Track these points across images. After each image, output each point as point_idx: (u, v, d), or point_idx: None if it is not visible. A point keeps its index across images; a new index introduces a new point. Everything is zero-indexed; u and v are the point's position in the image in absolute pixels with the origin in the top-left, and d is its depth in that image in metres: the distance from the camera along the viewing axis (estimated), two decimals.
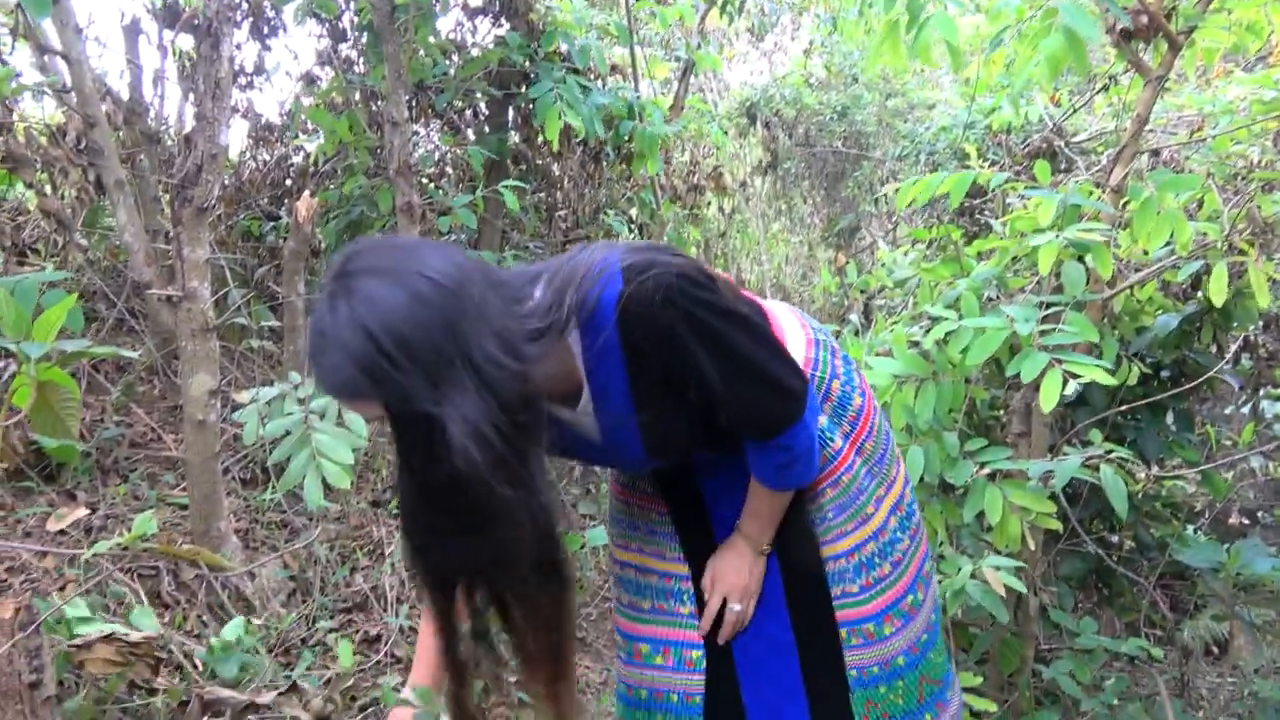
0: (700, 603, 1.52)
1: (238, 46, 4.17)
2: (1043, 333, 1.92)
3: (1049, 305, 2.05)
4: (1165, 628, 2.77)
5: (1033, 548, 2.08)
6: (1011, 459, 2.07)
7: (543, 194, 4.75)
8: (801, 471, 1.41)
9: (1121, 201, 2.16)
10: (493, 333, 1.10)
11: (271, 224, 4.37)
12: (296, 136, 4.51)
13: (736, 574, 1.48)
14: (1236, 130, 2.42)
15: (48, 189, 3.55)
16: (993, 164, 3.68)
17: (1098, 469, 1.98)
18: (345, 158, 4.18)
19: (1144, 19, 2.08)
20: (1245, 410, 3.05)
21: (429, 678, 1.46)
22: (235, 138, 4.51)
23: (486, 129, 4.40)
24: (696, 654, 1.51)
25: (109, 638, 1.97)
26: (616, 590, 1.62)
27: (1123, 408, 2.36)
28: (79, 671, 1.96)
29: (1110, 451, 2.01)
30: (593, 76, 4.26)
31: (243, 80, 4.35)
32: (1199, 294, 2.40)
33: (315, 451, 1.99)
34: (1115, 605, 2.68)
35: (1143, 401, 2.38)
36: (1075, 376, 1.83)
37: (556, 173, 4.76)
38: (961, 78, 4.58)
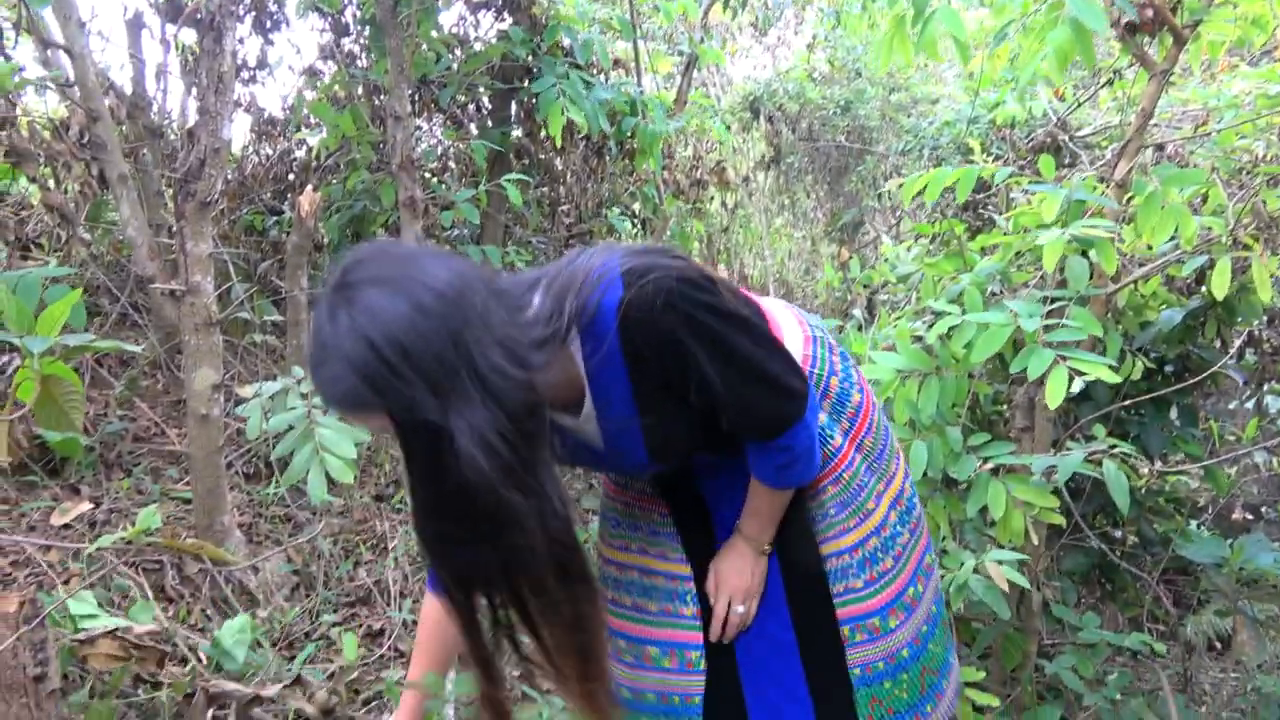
0: (703, 604, 1.52)
1: (240, 41, 4.16)
2: (1047, 328, 1.92)
3: (1053, 300, 2.05)
4: (1168, 623, 2.77)
5: (1035, 542, 2.08)
6: (1014, 454, 2.07)
7: (545, 189, 4.75)
8: (803, 470, 1.41)
9: (1126, 196, 2.15)
10: (496, 341, 1.10)
11: (274, 219, 4.38)
12: (299, 131, 4.51)
13: (738, 575, 1.48)
14: (1241, 125, 2.41)
15: (51, 183, 3.56)
16: (996, 159, 3.67)
17: (1101, 464, 1.98)
18: (348, 152, 4.19)
19: (1149, 12, 2.07)
20: (1249, 405, 3.04)
21: (431, 665, 1.47)
22: (238, 132, 4.52)
23: (489, 124, 4.40)
24: (696, 654, 1.52)
25: (112, 633, 1.98)
26: (614, 593, 1.60)
27: (1126, 402, 2.36)
28: (83, 666, 1.96)
29: (1113, 446, 2.00)
30: (595, 71, 4.25)
31: (245, 75, 4.35)
32: (1203, 289, 2.40)
33: (318, 446, 2.00)
34: (1118, 600, 2.68)
35: (1146, 396, 2.37)
36: (1080, 374, 1.83)
37: (559, 167, 4.76)
38: (965, 72, 4.57)
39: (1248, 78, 2.70)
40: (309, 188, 3.30)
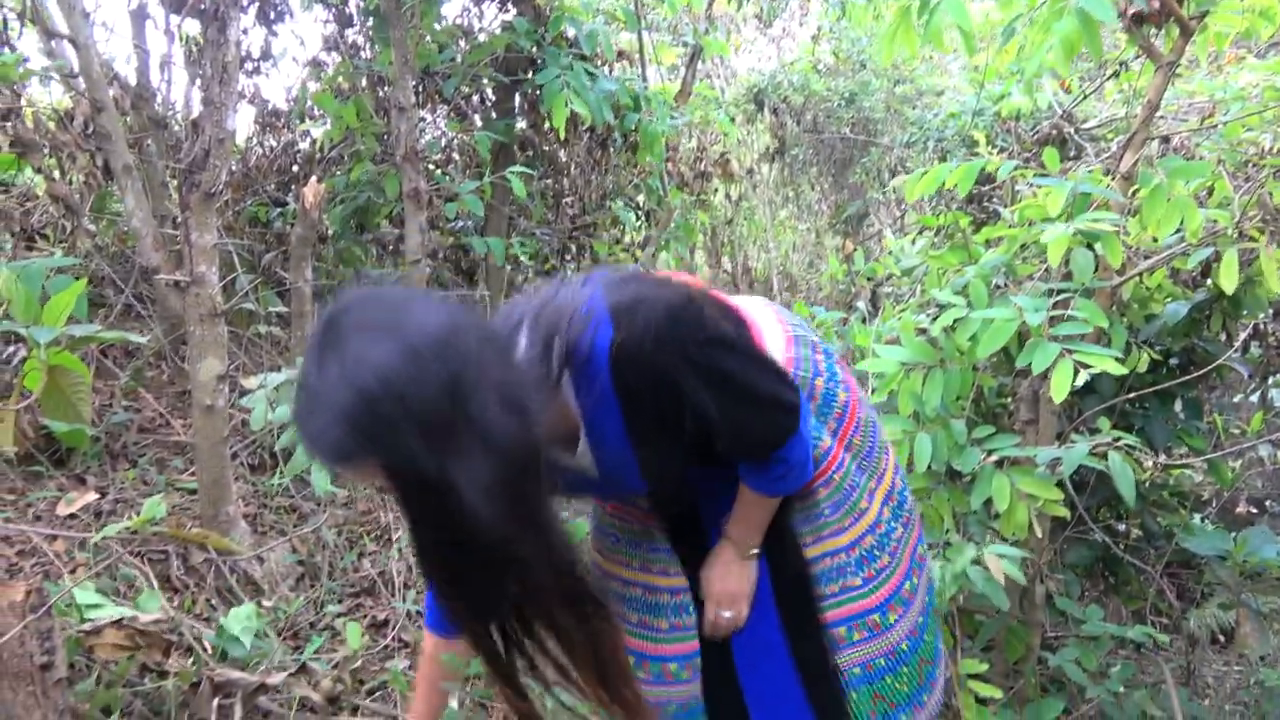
0: (701, 609, 1.54)
1: (244, 31, 4.16)
2: (1052, 321, 1.91)
3: (1058, 292, 2.04)
4: (1171, 616, 2.77)
5: (1039, 535, 2.08)
6: (1019, 446, 2.07)
7: (549, 181, 4.74)
8: (797, 478, 1.42)
9: (1131, 189, 2.14)
10: (492, 389, 1.08)
11: (279, 210, 4.38)
12: (303, 122, 4.51)
13: (722, 582, 1.50)
14: (1248, 117, 2.40)
15: (56, 174, 3.56)
16: (1001, 151, 3.66)
17: (1105, 456, 1.98)
18: (352, 143, 4.18)
19: (1156, 4, 2.06)
20: (1254, 398, 3.04)
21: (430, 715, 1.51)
22: (242, 124, 4.52)
23: (493, 115, 4.39)
24: (699, 660, 1.55)
25: (118, 623, 1.99)
26: (620, 608, 1.59)
27: (1131, 395, 2.35)
28: (90, 655, 1.97)
29: (1118, 439, 2.00)
30: (600, 63, 4.24)
31: (249, 66, 4.34)
32: (1209, 281, 2.39)
33: None
34: (1122, 593, 2.68)
35: (1151, 389, 2.37)
36: (1085, 366, 1.82)
37: (563, 159, 4.75)
38: (970, 64, 4.55)
39: (1255, 70, 2.69)
40: (313, 179, 3.30)
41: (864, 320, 3.15)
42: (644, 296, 1.23)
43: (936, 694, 1.60)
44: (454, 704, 1.61)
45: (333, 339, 1.05)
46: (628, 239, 5.24)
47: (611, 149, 4.73)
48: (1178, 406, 2.53)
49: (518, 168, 3.74)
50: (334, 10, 4.30)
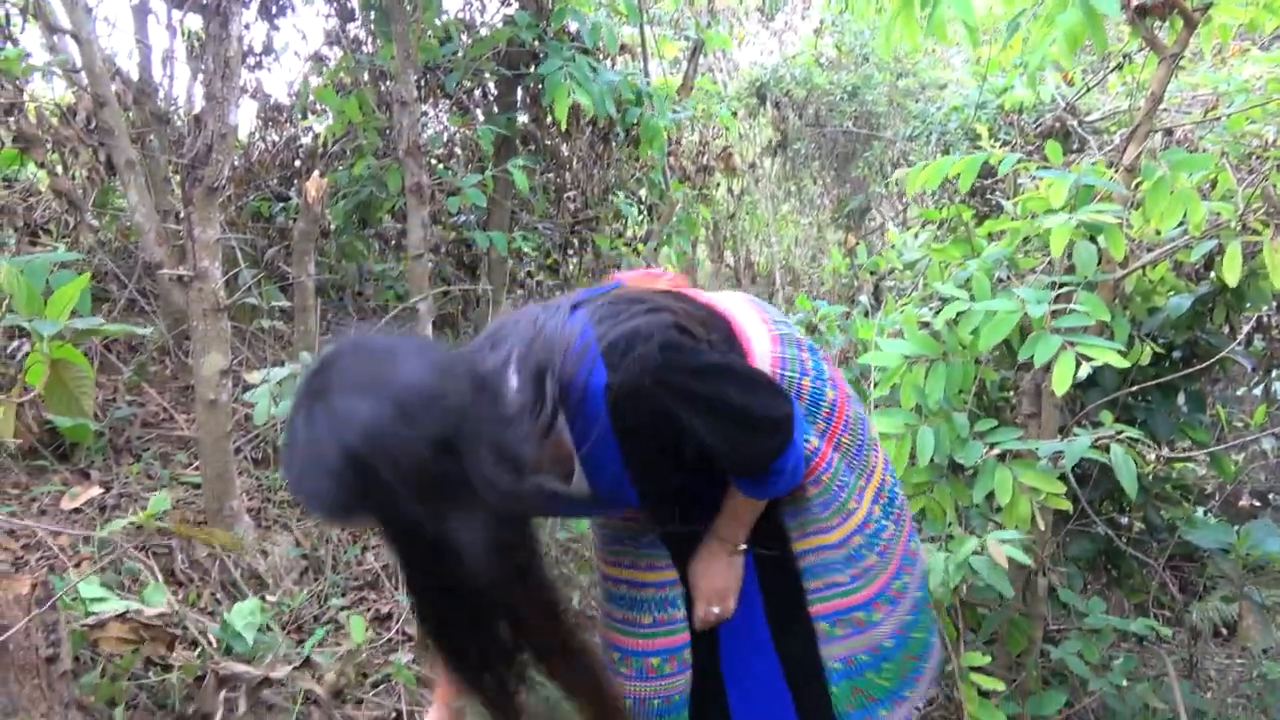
0: (689, 603, 1.54)
1: (246, 26, 4.16)
2: (1054, 314, 1.91)
3: (1060, 285, 2.04)
4: (1174, 609, 2.77)
5: (1042, 528, 2.08)
6: (1021, 439, 2.07)
7: (551, 175, 4.74)
8: (789, 482, 1.42)
9: (1134, 181, 2.14)
10: (485, 442, 1.07)
11: (281, 205, 4.38)
12: (305, 117, 4.51)
13: (709, 579, 1.51)
14: (1251, 109, 2.40)
15: (59, 169, 3.56)
16: (1005, 144, 3.65)
17: (1108, 450, 1.97)
18: (354, 138, 4.19)
19: None
20: (1257, 392, 3.04)
21: None
22: (244, 118, 4.52)
23: (495, 109, 4.39)
24: (687, 653, 1.55)
25: (122, 616, 2.00)
26: (607, 605, 1.62)
27: (1134, 388, 2.35)
28: (95, 649, 1.98)
29: (1121, 432, 2.00)
30: (602, 56, 4.24)
31: (251, 60, 4.35)
32: (1212, 274, 2.39)
33: None
34: (1124, 586, 2.68)
35: (1154, 382, 2.37)
36: (1088, 359, 1.82)
37: (565, 153, 4.75)
38: (974, 57, 4.54)
39: (1258, 62, 2.68)
40: (315, 173, 3.31)
41: (866, 314, 3.15)
42: (635, 333, 1.22)
43: (921, 688, 1.61)
44: None
45: (321, 397, 1.04)
46: (630, 233, 5.24)
47: (614, 143, 4.73)
48: (1180, 400, 2.53)
49: (520, 160, 3.73)
50: (336, 5, 4.30)
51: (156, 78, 3.92)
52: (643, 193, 5.08)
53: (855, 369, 2.80)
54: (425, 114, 4.44)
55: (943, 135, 4.78)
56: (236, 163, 4.27)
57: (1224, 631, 3.01)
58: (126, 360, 3.35)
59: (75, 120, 3.43)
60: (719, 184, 6.77)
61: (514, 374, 1.21)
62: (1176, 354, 2.52)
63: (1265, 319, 2.71)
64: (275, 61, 4.41)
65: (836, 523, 1.51)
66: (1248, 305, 2.45)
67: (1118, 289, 2.25)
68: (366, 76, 4.25)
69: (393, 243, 4.65)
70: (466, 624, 1.19)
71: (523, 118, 4.38)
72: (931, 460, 2.05)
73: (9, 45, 3.43)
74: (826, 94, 7.03)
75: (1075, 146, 3.39)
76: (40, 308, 2.11)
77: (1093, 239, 2.06)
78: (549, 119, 4.29)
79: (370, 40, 4.36)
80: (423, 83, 4.21)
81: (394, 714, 2.25)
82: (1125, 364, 1.88)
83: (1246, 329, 2.50)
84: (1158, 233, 2.18)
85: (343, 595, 2.69)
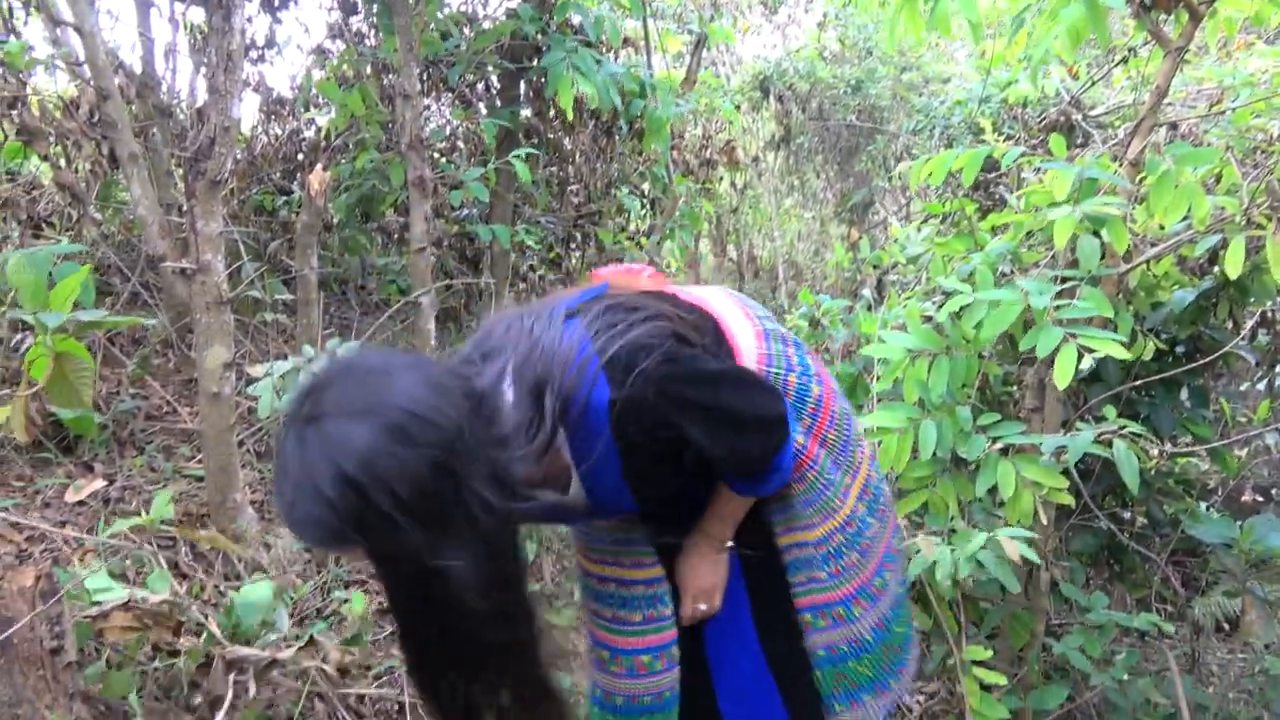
0: (677, 599, 1.55)
1: (249, 19, 4.16)
2: (1058, 307, 1.91)
3: (1064, 280, 2.04)
4: (1176, 604, 2.77)
5: (1044, 523, 2.08)
6: (1024, 434, 2.07)
7: (554, 168, 4.74)
8: (780, 480, 1.43)
9: (1139, 175, 2.13)
10: (482, 468, 1.06)
11: (284, 198, 4.38)
12: (308, 110, 4.50)
13: (698, 577, 1.51)
14: (1256, 103, 2.39)
15: (62, 162, 3.57)
16: (1008, 138, 3.65)
17: (1111, 444, 1.97)
18: (357, 131, 4.18)
19: None
20: (1261, 386, 3.03)
21: None
22: (247, 112, 4.52)
23: (498, 103, 4.38)
24: (676, 650, 1.56)
25: (126, 604, 2.00)
26: (594, 604, 1.61)
27: (1137, 383, 2.35)
28: (100, 640, 1.99)
29: (1124, 427, 2.00)
30: (605, 50, 4.23)
31: (254, 54, 4.35)
32: (1216, 269, 2.38)
33: None
34: (1126, 581, 2.68)
35: (1157, 377, 2.36)
36: (1090, 351, 1.82)
37: (568, 147, 4.74)
38: (977, 51, 4.53)
39: (1264, 55, 2.67)
40: (318, 167, 3.30)
41: (869, 308, 3.15)
42: (636, 345, 1.21)
43: (905, 681, 1.63)
44: None
45: (313, 422, 1.02)
46: (632, 227, 5.24)
47: (617, 137, 4.72)
48: (1184, 394, 2.52)
49: (522, 150, 3.72)
50: None
51: (159, 71, 3.92)
52: (646, 186, 5.07)
53: (858, 363, 2.80)
54: (428, 107, 4.44)
55: (946, 129, 4.77)
56: (239, 156, 4.27)
57: (1226, 626, 3.01)
58: (130, 353, 3.36)
59: (78, 113, 3.43)
60: (722, 178, 6.76)
61: (509, 388, 1.20)
62: (1180, 349, 2.51)
63: (1269, 314, 2.70)
64: (278, 55, 4.42)
65: (818, 520, 1.51)
66: (1252, 300, 2.44)
67: (1121, 284, 2.25)
68: (369, 70, 4.24)
69: (395, 236, 4.64)
70: (450, 653, 1.19)
71: (526, 111, 4.37)
72: (934, 454, 2.05)
73: (12, 38, 3.43)
74: (830, 88, 7.02)
75: (1079, 140, 3.38)
76: (44, 300, 2.11)
77: (1096, 233, 2.06)
78: (552, 112, 4.28)
79: (373, 34, 4.35)
80: (425, 76, 4.20)
81: (396, 706, 2.26)
82: (1128, 358, 1.87)
83: (1250, 324, 2.50)
84: (1161, 227, 2.17)
85: (345, 588, 2.70)
